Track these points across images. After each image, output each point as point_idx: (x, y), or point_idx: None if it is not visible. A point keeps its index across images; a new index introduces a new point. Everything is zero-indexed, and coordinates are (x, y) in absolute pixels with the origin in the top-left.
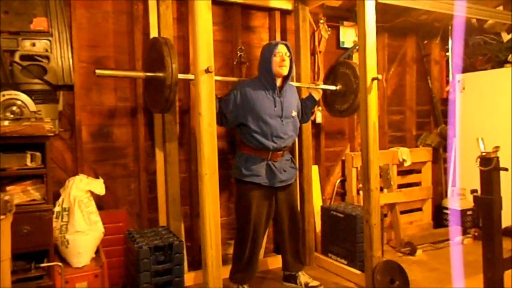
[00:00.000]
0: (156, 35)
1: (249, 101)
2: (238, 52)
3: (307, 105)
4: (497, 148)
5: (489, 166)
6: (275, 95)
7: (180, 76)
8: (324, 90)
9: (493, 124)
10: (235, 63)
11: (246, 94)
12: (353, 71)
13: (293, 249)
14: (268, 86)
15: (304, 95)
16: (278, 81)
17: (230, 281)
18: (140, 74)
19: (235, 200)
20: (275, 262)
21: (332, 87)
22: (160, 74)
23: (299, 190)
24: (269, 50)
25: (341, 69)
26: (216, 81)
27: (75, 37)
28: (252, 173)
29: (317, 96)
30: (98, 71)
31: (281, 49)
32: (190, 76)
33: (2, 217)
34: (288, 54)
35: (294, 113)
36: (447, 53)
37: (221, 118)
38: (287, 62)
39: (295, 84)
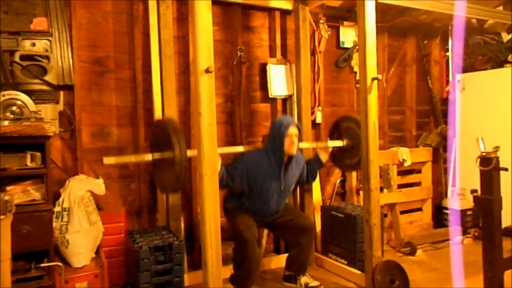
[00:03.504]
0: (156, 35)
1: (255, 181)
2: (238, 52)
3: (313, 167)
4: (497, 148)
5: (489, 166)
6: (281, 172)
7: (189, 153)
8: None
9: (493, 124)
10: (235, 63)
11: (252, 173)
12: (356, 123)
13: (301, 254)
14: (276, 161)
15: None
16: (286, 156)
17: (230, 283)
18: (148, 156)
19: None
20: (275, 262)
21: (339, 143)
22: (168, 155)
23: (299, 190)
24: (280, 132)
25: (343, 124)
26: (216, 81)
27: (75, 37)
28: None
29: (324, 158)
30: (105, 160)
31: (292, 130)
32: (194, 152)
33: (2, 217)
34: (297, 134)
35: (293, 186)
36: (447, 53)
37: (226, 187)
38: (296, 143)
39: (302, 145)
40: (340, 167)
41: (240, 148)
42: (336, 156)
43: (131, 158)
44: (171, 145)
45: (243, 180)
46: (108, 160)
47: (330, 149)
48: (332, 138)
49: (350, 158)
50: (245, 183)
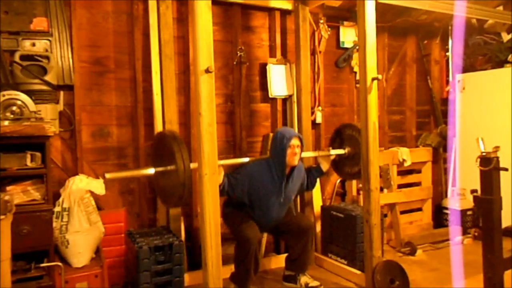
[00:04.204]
0: (156, 35)
1: (256, 193)
2: (238, 52)
3: (313, 175)
4: (497, 148)
5: (489, 166)
6: (283, 183)
7: (192, 166)
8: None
9: (493, 124)
10: (235, 63)
11: (253, 186)
12: (359, 133)
13: (302, 254)
14: (277, 173)
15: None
16: (288, 168)
17: (231, 281)
18: (150, 170)
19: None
20: (275, 262)
21: (341, 151)
22: (171, 167)
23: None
24: (282, 143)
25: (347, 131)
26: (216, 81)
27: (75, 37)
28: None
29: (325, 167)
30: (107, 175)
31: (294, 142)
32: (195, 165)
33: (2, 217)
34: (299, 145)
35: (294, 195)
36: (447, 53)
37: (226, 195)
38: (298, 154)
39: (304, 154)
40: (340, 175)
41: (241, 160)
42: (337, 163)
43: (133, 173)
44: (175, 160)
45: (243, 191)
46: (111, 175)
47: (332, 157)
48: (333, 145)
49: (351, 166)
50: (246, 195)
